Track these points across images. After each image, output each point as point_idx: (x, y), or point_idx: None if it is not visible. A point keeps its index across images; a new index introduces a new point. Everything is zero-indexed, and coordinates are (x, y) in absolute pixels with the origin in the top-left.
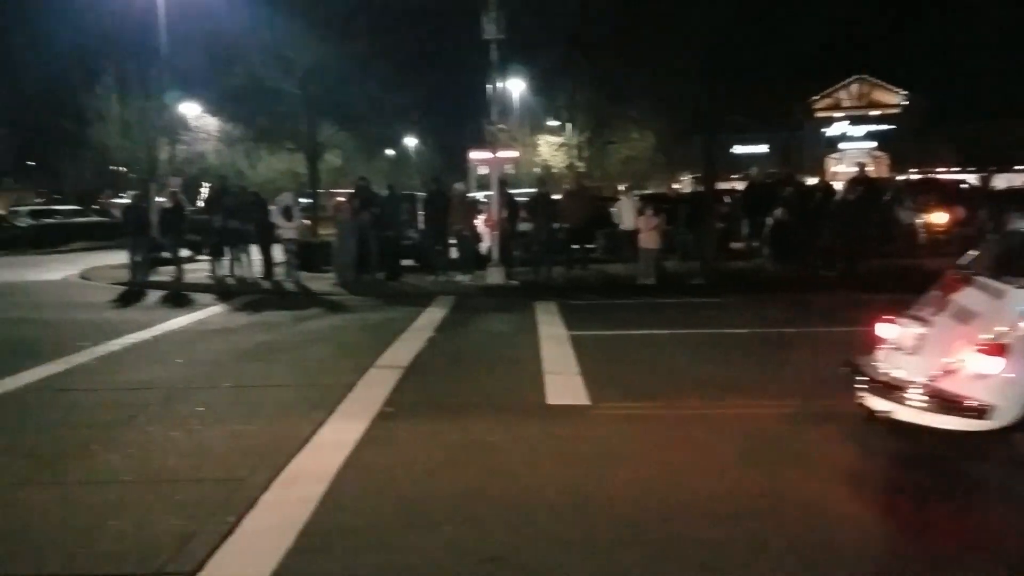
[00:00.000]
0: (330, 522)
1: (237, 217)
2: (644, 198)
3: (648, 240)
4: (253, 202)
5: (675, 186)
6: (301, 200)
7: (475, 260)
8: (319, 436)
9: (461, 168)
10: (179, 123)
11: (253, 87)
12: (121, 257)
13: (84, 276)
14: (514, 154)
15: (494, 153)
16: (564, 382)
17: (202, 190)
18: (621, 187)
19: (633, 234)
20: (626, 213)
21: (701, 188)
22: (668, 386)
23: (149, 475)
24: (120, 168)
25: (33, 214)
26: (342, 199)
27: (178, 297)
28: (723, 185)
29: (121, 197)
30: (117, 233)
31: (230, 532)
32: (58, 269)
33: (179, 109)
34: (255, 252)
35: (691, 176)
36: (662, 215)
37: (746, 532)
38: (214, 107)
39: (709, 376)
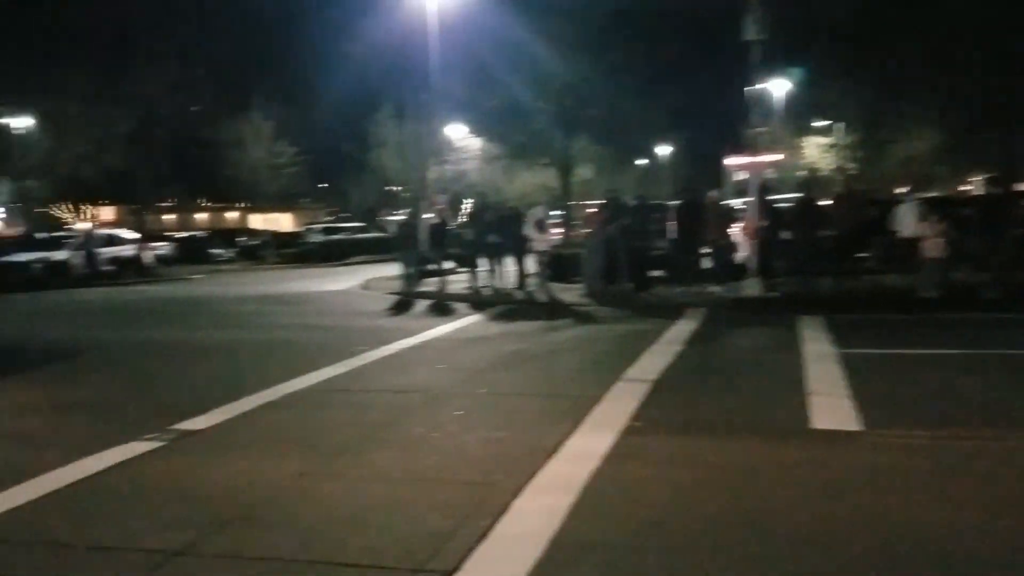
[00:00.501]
0: (579, 534)
1: (495, 231)
2: (927, 201)
3: (933, 248)
4: (512, 216)
5: (964, 188)
6: (553, 212)
7: (731, 271)
8: (567, 446)
9: (716, 175)
10: (446, 144)
11: (511, 107)
12: (395, 269)
13: (364, 287)
14: (776, 157)
15: (753, 157)
16: (831, 404)
17: (463, 206)
18: (900, 190)
19: (914, 241)
20: (906, 218)
21: (995, 190)
22: (953, 413)
23: (412, 474)
24: (395, 188)
25: (324, 231)
26: (592, 210)
27: (441, 306)
28: (1022, 186)
29: (395, 214)
30: (392, 247)
31: (484, 536)
32: (343, 280)
33: (446, 131)
34: (510, 264)
35: (983, 176)
36: (948, 220)
37: None
38: (476, 128)
39: (1002, 404)
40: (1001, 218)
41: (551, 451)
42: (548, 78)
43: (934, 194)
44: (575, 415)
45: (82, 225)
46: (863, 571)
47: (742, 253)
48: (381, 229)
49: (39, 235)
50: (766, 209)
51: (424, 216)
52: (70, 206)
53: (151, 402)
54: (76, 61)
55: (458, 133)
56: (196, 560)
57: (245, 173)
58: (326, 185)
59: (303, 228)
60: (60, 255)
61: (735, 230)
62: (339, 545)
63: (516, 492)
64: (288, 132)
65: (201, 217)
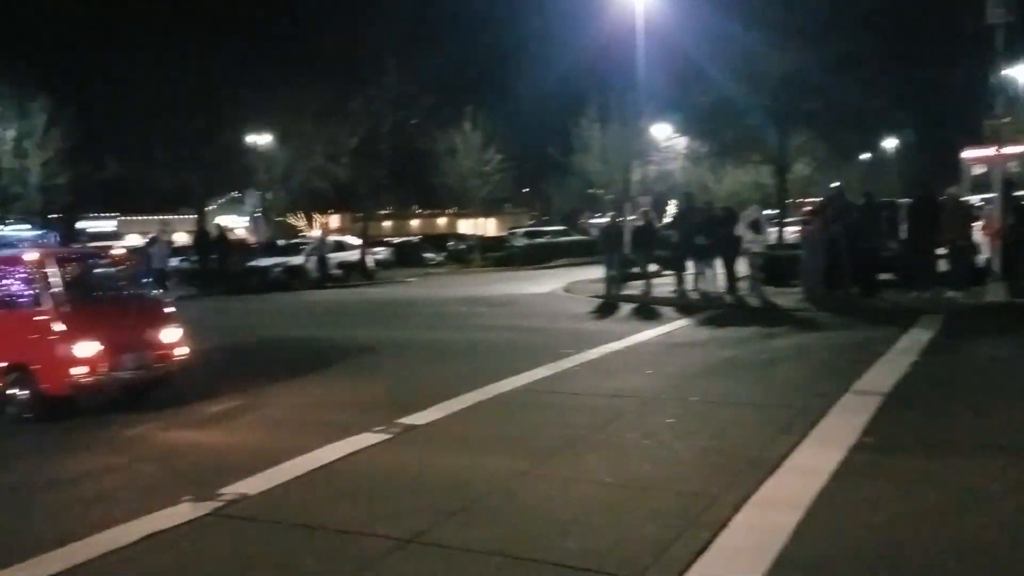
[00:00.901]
0: (806, 554)
1: (704, 232)
2: None
3: None
4: (723, 216)
5: None
6: (767, 212)
7: (971, 275)
8: (791, 461)
9: (951, 169)
10: (651, 145)
11: (723, 103)
12: (597, 272)
13: (567, 289)
14: (1021, 149)
15: (996, 150)
16: None
17: (668, 207)
18: None
19: None
20: None
21: None
22: None
23: (625, 479)
24: (597, 191)
25: (527, 235)
26: (809, 209)
27: (647, 310)
28: None
29: (596, 217)
30: (594, 250)
31: (704, 548)
32: (546, 283)
33: (651, 132)
34: (719, 266)
35: None
36: None
37: None
38: (683, 126)
39: None
40: None
41: (774, 465)
42: (764, 72)
43: None
44: (799, 428)
45: (315, 232)
46: None
47: (984, 255)
48: (583, 232)
49: (280, 242)
50: (1011, 206)
51: (628, 218)
52: (302, 215)
53: (378, 397)
54: (312, 83)
55: (663, 133)
56: (428, 549)
57: (455, 180)
58: (528, 190)
59: (507, 232)
60: (297, 260)
61: (975, 230)
62: (559, 545)
63: (737, 506)
64: (496, 139)
65: (414, 223)
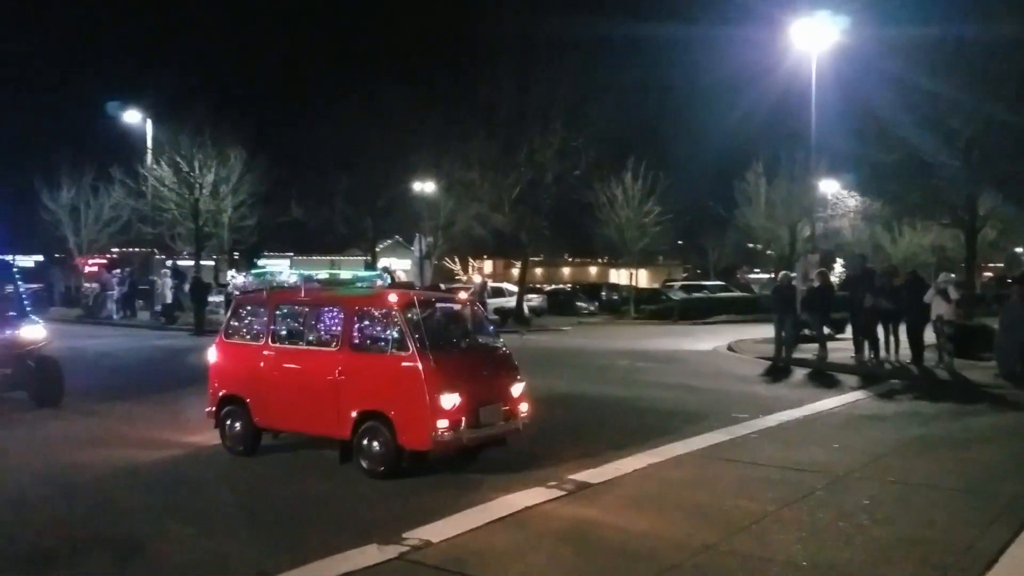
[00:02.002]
0: None
1: (888, 296)
2: None
3: None
4: (911, 281)
5: None
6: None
7: None
8: (1009, 556)
9: None
10: (820, 201)
11: (903, 161)
12: (761, 331)
13: (731, 348)
14: None
15: None
16: None
17: (835, 267)
18: None
19: None
20: None
21: None
22: None
23: (822, 563)
24: (758, 246)
25: (684, 288)
26: (991, 275)
27: (823, 376)
28: None
29: (755, 273)
30: (754, 307)
31: None
32: (706, 340)
33: (820, 187)
34: (905, 335)
35: None
36: None
37: None
38: (854, 183)
39: None
40: None
41: (990, 559)
42: (955, 131)
43: None
44: (1011, 519)
45: (475, 278)
46: None
47: None
48: (743, 288)
49: (441, 286)
50: None
51: (800, 276)
52: (457, 259)
53: (553, 451)
54: (480, 133)
55: (831, 188)
56: None
57: (613, 231)
58: (682, 242)
59: (661, 284)
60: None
61: None
62: None
63: None
64: (657, 192)
65: (565, 270)
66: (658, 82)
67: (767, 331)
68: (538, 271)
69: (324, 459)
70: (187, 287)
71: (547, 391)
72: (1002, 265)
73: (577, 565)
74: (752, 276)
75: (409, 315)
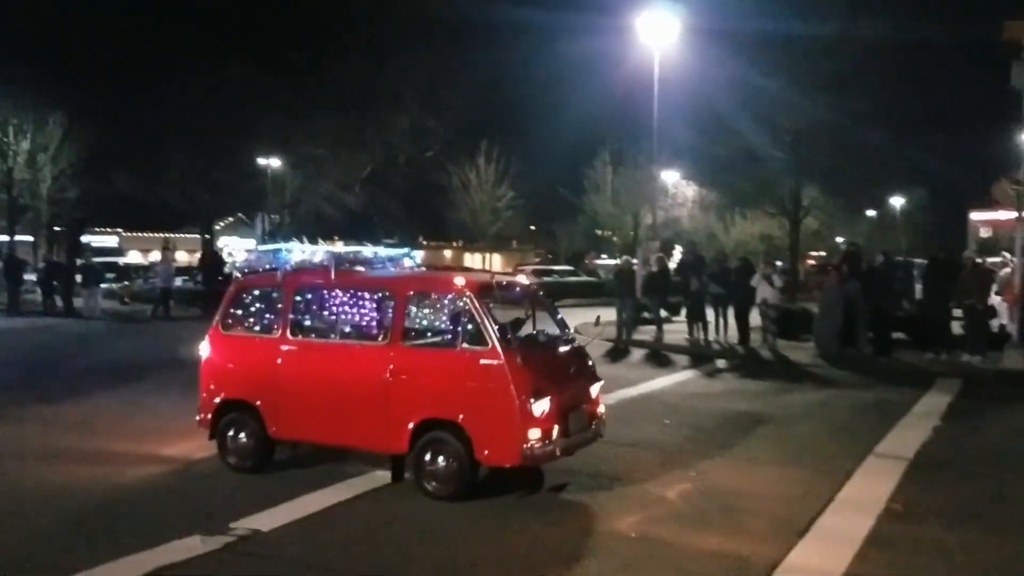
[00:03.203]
0: None
1: (716, 281)
2: None
3: None
4: (739, 268)
5: None
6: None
7: (988, 339)
8: (820, 525)
9: (957, 230)
10: (661, 190)
11: (736, 153)
12: (607, 314)
13: (576, 331)
14: None
15: (1020, 215)
16: None
17: (674, 253)
18: None
19: None
20: None
21: None
22: None
23: (651, 537)
24: (605, 232)
25: (535, 273)
26: (813, 262)
27: (660, 357)
28: None
29: (603, 258)
30: (601, 292)
31: None
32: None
33: (661, 177)
34: (732, 317)
35: None
36: None
37: None
38: (699, 175)
39: None
40: None
41: (802, 529)
42: (782, 127)
43: None
44: (824, 490)
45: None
46: None
47: (1000, 320)
48: (589, 273)
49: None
50: None
51: (641, 262)
52: (306, 239)
53: None
54: (328, 110)
55: (671, 179)
56: None
57: (467, 215)
58: (534, 228)
59: (514, 269)
60: None
61: (992, 294)
62: None
63: (769, 570)
64: (509, 177)
65: (419, 254)
66: (513, 67)
67: (612, 314)
68: None
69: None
70: None
71: None
72: (824, 253)
73: (406, 550)
74: (599, 262)
75: (485, 301)
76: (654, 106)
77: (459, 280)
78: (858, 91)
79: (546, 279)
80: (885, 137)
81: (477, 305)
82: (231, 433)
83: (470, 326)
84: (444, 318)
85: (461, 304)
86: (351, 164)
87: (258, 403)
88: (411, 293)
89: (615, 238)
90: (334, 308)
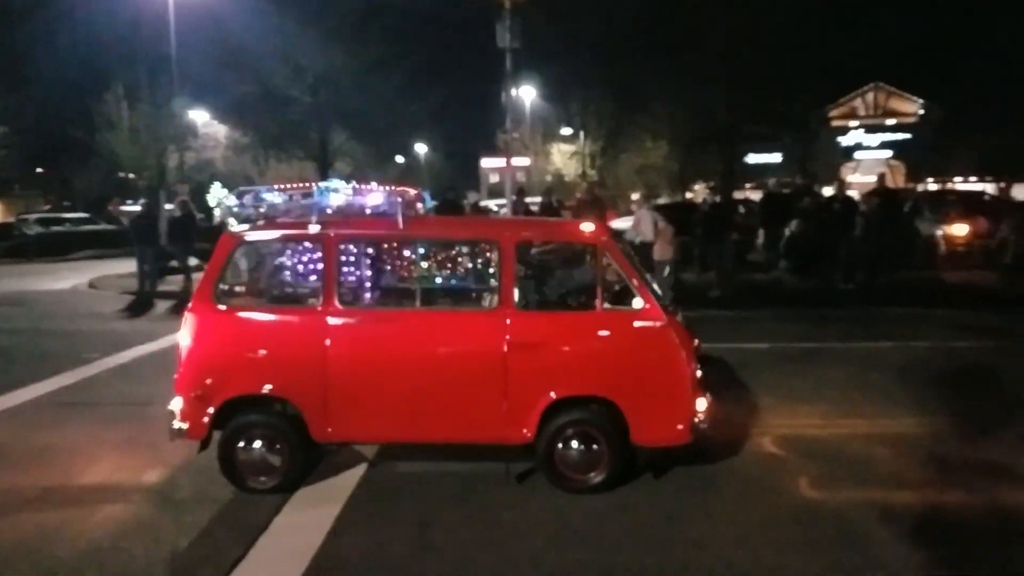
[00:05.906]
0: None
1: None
2: (658, 208)
3: (662, 252)
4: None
5: (689, 195)
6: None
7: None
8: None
9: (474, 175)
10: (188, 130)
11: (263, 94)
12: (130, 266)
13: (92, 285)
14: (526, 162)
15: (507, 161)
16: None
17: (209, 197)
18: (635, 196)
19: (650, 246)
20: (644, 224)
21: (715, 198)
22: None
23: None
24: (129, 175)
25: (41, 222)
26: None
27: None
28: (738, 194)
29: (130, 204)
30: (124, 241)
31: None
32: (67, 278)
33: (188, 116)
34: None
35: (704, 185)
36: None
37: None
38: (223, 114)
39: (732, 394)
40: (724, 225)
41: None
42: (303, 68)
43: (664, 200)
44: None
45: None
46: None
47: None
48: (112, 221)
49: None
50: (522, 211)
51: (165, 207)
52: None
53: None
54: None
55: (202, 119)
56: None
57: None
58: (42, 170)
59: (15, 218)
60: None
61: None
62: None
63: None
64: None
65: None
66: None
67: (135, 266)
68: None
69: None
70: None
71: None
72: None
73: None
74: (126, 208)
75: (623, 253)
76: (171, 36)
77: (587, 227)
78: (372, 38)
79: (56, 228)
80: (398, 85)
81: (617, 258)
82: (242, 443)
83: (616, 283)
84: (577, 275)
85: (597, 257)
86: None
87: (295, 398)
88: (524, 243)
89: (141, 182)
90: (405, 266)
